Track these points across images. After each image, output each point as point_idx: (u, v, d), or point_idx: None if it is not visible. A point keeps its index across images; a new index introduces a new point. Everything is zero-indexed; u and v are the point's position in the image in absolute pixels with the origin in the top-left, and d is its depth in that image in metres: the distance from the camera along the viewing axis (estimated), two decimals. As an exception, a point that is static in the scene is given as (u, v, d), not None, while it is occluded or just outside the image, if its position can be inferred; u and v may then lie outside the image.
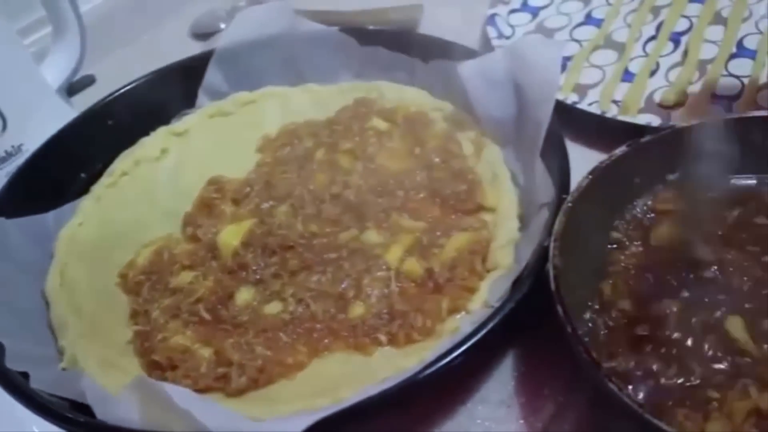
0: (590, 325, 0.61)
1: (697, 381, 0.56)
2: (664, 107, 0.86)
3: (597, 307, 0.63)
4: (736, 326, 0.58)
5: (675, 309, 0.59)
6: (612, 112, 0.86)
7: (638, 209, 0.71)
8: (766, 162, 0.71)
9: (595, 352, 0.54)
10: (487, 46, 0.98)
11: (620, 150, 0.69)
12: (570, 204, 0.65)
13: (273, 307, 0.69)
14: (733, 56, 0.91)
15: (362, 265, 0.70)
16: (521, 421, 0.61)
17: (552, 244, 0.61)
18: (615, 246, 0.68)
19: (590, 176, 0.67)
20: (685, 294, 0.61)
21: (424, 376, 0.56)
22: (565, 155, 0.72)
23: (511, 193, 0.75)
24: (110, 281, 0.75)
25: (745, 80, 0.87)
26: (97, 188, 0.85)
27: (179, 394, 0.54)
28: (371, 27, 0.98)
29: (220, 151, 0.89)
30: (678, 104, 0.86)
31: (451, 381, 0.63)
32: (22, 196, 0.82)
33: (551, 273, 0.59)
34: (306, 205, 0.77)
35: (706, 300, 0.60)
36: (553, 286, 0.58)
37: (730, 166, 0.72)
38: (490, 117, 0.80)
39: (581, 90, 0.90)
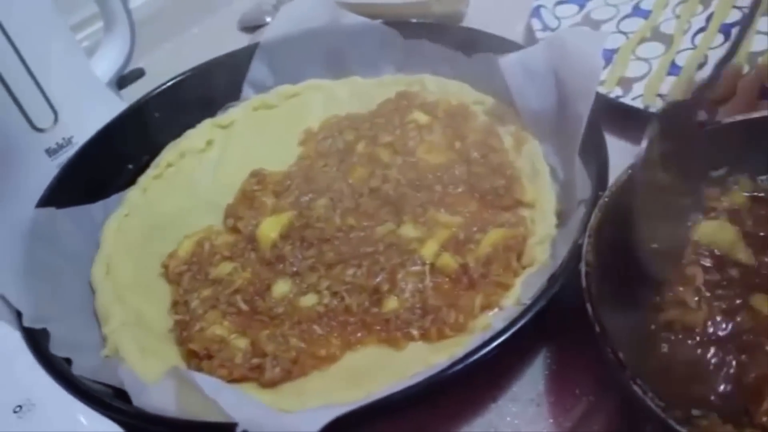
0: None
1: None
2: (716, 102, 0.84)
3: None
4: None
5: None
6: (657, 106, 0.84)
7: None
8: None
9: (625, 353, 0.53)
10: (531, 39, 0.97)
11: (661, 145, 0.68)
12: (606, 200, 0.64)
13: (308, 300, 0.69)
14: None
15: (397, 259, 0.70)
16: (551, 420, 0.61)
17: (586, 241, 0.60)
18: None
19: (629, 171, 0.66)
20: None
21: (452, 373, 0.56)
22: (603, 150, 0.71)
23: (549, 189, 0.74)
24: (154, 271, 0.77)
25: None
26: (144, 179, 0.87)
27: (209, 383, 0.55)
28: (415, 20, 0.98)
29: (264, 144, 0.90)
30: (726, 98, 0.84)
31: (482, 378, 0.62)
32: (71, 186, 0.84)
33: (583, 270, 0.58)
34: (344, 199, 0.77)
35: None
36: (584, 283, 0.57)
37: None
38: (530, 110, 0.79)
39: (626, 83, 0.88)
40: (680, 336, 0.59)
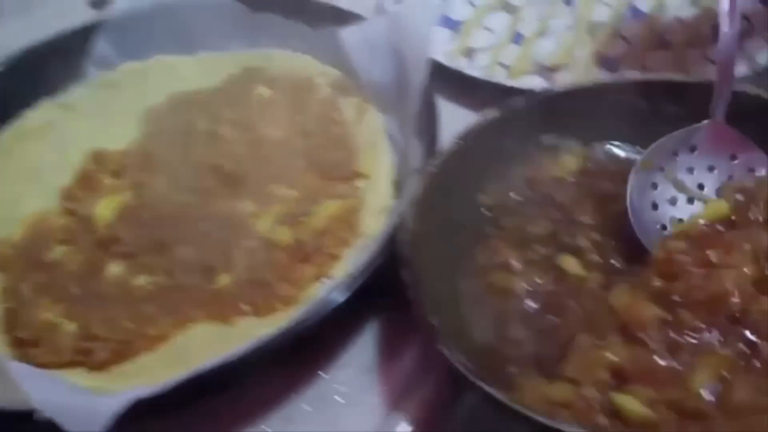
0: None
1: None
2: (550, 70, 0.86)
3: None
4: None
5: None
6: (500, 75, 0.85)
7: (511, 173, 0.71)
8: (639, 129, 0.71)
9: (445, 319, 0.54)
10: (381, 12, 0.97)
11: (491, 112, 0.69)
12: (432, 168, 0.64)
13: (141, 280, 0.68)
14: (624, 19, 0.91)
15: (232, 235, 0.69)
16: (380, 387, 0.61)
17: (408, 210, 0.61)
18: (487, 211, 0.68)
19: (458, 141, 0.67)
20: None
21: (273, 344, 0.56)
22: (433, 119, 0.71)
23: (387, 160, 0.74)
24: (-16, 258, 0.74)
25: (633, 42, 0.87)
26: (-25, 163, 0.83)
27: (17, 369, 0.53)
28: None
29: (106, 123, 0.86)
30: (564, 66, 0.86)
31: (312, 349, 0.62)
32: None
33: (403, 238, 0.59)
34: (184, 177, 0.76)
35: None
36: (401, 250, 0.58)
37: (603, 132, 0.73)
38: (371, 82, 0.80)
39: (471, 53, 0.89)
40: (500, 298, 0.60)
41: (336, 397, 0.61)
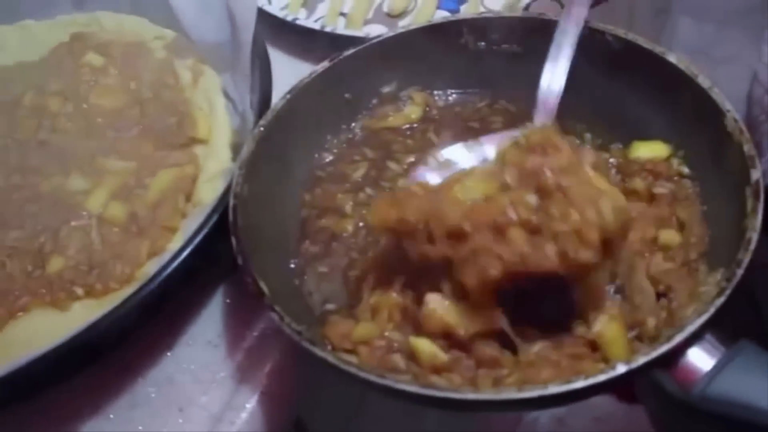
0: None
1: None
2: (392, 17, 0.84)
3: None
4: None
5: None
6: (339, 26, 0.83)
7: (353, 127, 0.70)
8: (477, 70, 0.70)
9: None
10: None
11: (321, 65, 0.67)
12: (261, 129, 0.62)
13: (-35, 269, 0.63)
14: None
15: (62, 216, 0.65)
16: (227, 360, 0.59)
17: (237, 173, 0.59)
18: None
19: (288, 96, 0.65)
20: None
21: (104, 326, 0.53)
22: (267, 76, 0.69)
23: (224, 123, 0.72)
24: None
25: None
26: None
27: None
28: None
29: None
30: (406, 12, 0.84)
31: (154, 327, 0.60)
32: None
33: (231, 203, 0.56)
34: (10, 156, 0.71)
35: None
36: (231, 217, 0.56)
37: (444, 77, 0.72)
38: (205, 42, 0.76)
39: (311, 5, 0.87)
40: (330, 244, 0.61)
41: (181, 375, 0.59)
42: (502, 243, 0.48)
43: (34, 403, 0.57)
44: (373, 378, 0.45)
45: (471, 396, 0.44)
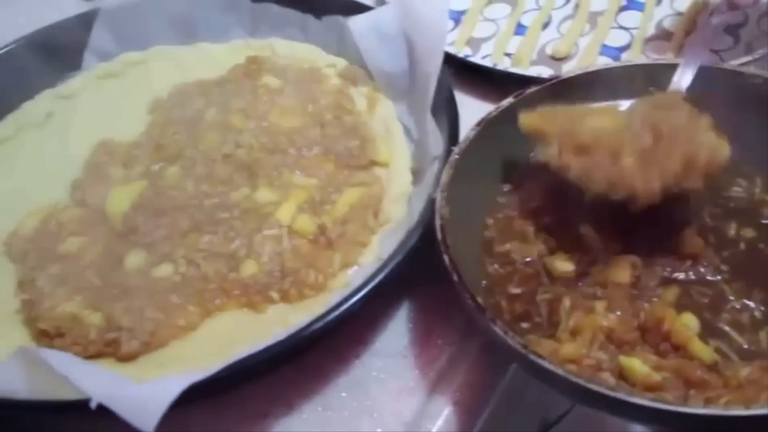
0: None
1: None
2: (555, 59, 0.87)
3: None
4: None
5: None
6: (504, 64, 0.86)
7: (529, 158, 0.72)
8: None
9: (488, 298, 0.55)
10: (381, 1, 0.97)
11: (507, 101, 0.70)
12: (457, 155, 0.65)
13: (163, 270, 0.67)
14: (622, 9, 0.93)
15: (254, 224, 0.69)
16: (416, 371, 0.62)
17: (439, 195, 0.62)
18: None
19: (477, 127, 0.68)
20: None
21: (312, 331, 0.56)
22: (454, 107, 0.72)
23: (403, 148, 0.75)
24: (-4, 251, 0.73)
25: (634, 32, 0.89)
26: (-24, 157, 0.81)
27: (59, 359, 0.52)
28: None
29: (110, 114, 0.86)
30: (569, 56, 0.87)
31: (345, 335, 0.63)
32: None
33: (438, 223, 0.59)
34: (197, 166, 0.75)
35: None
36: (439, 235, 0.58)
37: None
38: (382, 72, 0.80)
39: (475, 43, 0.90)
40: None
41: (370, 382, 0.61)
42: (615, 165, 0.58)
43: (230, 397, 0.60)
44: (606, 392, 0.46)
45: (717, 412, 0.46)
